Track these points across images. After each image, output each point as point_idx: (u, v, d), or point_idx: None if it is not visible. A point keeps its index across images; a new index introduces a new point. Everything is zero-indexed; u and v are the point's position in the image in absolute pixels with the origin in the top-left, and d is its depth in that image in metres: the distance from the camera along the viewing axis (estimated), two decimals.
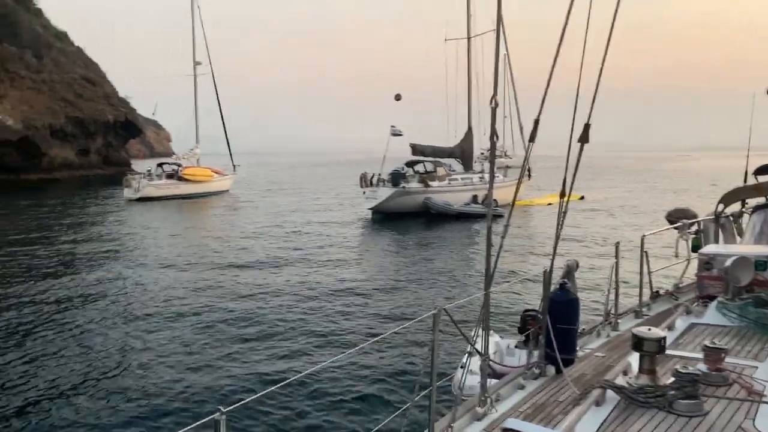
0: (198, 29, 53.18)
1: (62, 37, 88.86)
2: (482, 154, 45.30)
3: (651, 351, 4.79)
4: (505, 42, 33.98)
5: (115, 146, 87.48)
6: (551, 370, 5.86)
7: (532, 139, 5.48)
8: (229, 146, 54.04)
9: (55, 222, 32.55)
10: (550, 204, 34.85)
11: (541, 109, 5.27)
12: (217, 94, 53.59)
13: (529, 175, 37.37)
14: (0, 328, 12.82)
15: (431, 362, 4.54)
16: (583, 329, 7.11)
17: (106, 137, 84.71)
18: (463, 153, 38.66)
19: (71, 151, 78.04)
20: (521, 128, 38.90)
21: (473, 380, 5.42)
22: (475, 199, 33.81)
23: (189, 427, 3.22)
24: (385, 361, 10.16)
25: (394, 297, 15.16)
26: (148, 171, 48.17)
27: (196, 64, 53.75)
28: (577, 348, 6.31)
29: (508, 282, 14.76)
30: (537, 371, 5.85)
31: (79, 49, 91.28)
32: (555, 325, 5.68)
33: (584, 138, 5.20)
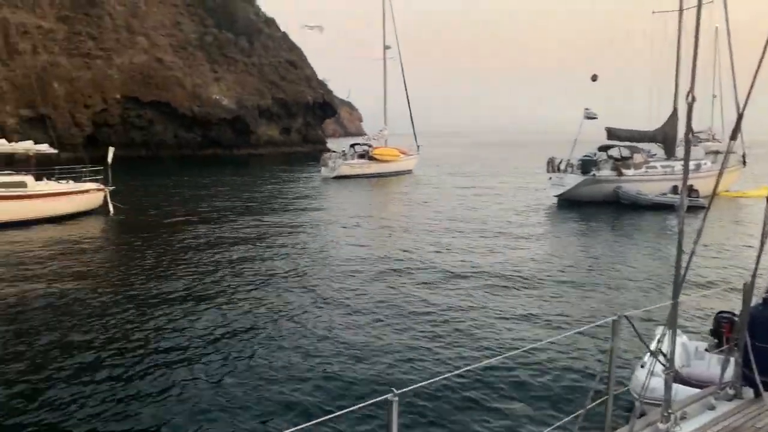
0: (388, 14, 55.10)
1: (270, 23, 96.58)
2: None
3: None
4: (726, 12, 30.13)
5: (313, 125, 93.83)
6: (749, 392, 5.30)
7: (734, 136, 4.94)
8: (413, 127, 55.48)
9: (264, 194, 36.01)
10: None
11: (746, 102, 4.73)
12: (403, 76, 55.45)
13: (744, 162, 33.61)
14: (200, 278, 14.66)
15: (609, 370, 4.36)
16: None
17: (306, 117, 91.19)
18: (665, 138, 35.01)
19: (276, 129, 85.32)
20: (737, 107, 34.59)
21: (656, 386, 5.03)
22: (675, 189, 30.77)
23: (362, 404, 3.45)
24: (559, 362, 9.75)
25: (573, 294, 14.46)
26: (343, 152, 51.75)
27: (386, 48, 55.77)
28: None
29: (700, 290, 13.40)
30: (731, 392, 5.32)
31: (284, 34, 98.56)
32: (755, 344, 5.13)
33: None
